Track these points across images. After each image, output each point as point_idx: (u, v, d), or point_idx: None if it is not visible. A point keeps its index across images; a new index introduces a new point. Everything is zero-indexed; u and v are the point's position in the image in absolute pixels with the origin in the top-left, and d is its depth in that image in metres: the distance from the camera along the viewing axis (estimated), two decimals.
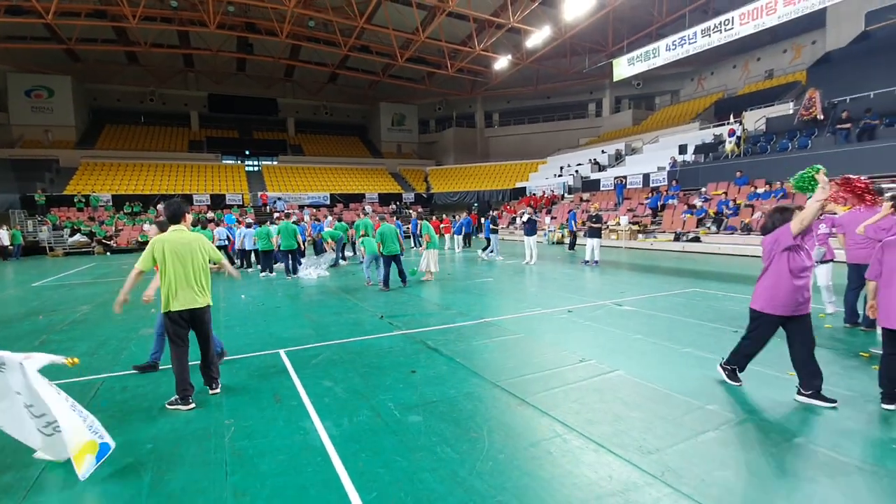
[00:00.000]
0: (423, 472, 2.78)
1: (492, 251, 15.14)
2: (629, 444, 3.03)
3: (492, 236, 15.21)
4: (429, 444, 3.11)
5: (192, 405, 3.87)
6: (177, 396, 3.89)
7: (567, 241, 18.53)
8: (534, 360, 4.85)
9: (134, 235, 22.88)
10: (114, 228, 23.13)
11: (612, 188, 23.49)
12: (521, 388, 4.05)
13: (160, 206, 26.02)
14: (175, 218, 4.05)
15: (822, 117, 17.28)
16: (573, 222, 17.88)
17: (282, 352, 5.31)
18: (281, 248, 11.68)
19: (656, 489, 2.53)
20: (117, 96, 34.56)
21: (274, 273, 12.21)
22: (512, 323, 6.43)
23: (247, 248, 13.56)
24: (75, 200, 24.78)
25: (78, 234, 22.12)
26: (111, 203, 25.71)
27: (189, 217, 4.20)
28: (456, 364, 4.74)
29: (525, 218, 13.89)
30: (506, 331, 6.00)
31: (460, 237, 19.21)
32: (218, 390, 4.19)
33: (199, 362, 4.18)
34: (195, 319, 4.01)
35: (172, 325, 3.92)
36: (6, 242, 19.91)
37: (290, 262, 11.75)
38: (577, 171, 28.64)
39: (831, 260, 5.60)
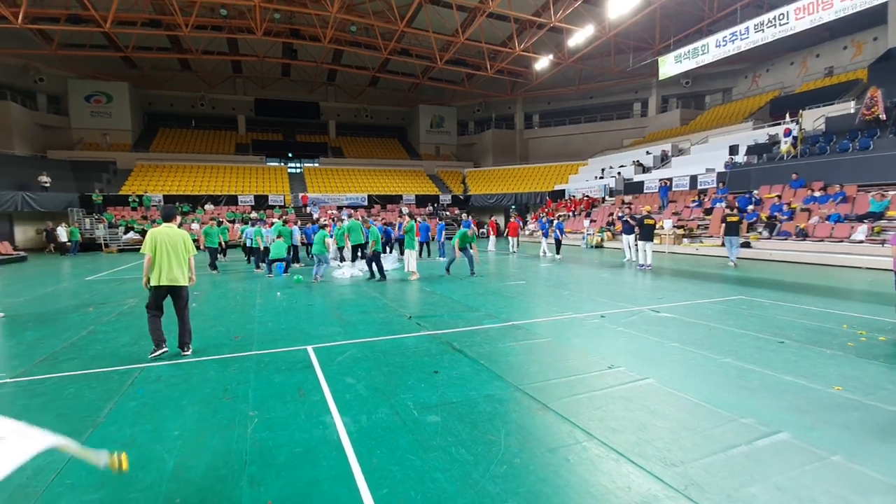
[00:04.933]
0: (436, 472, 2.74)
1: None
2: (652, 454, 2.88)
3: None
4: (444, 445, 3.07)
5: (165, 349, 5.15)
6: (154, 347, 5.13)
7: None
8: (560, 364, 4.71)
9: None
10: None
11: (656, 190, 22.68)
12: (544, 392, 3.94)
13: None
14: (168, 218, 5.31)
15: (884, 117, 16.06)
16: (558, 231, 16.69)
17: (309, 348, 5.41)
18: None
19: (677, 503, 2.39)
20: (170, 101, 36.54)
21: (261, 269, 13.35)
22: (541, 326, 6.30)
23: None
24: (129, 200, 26.35)
25: (132, 232, 23.53)
26: (163, 203, 27.16)
27: (178, 219, 5.44)
28: (480, 366, 4.68)
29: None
30: (534, 334, 5.88)
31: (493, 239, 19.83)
32: (189, 352, 5.23)
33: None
34: (174, 293, 5.16)
35: (156, 295, 5.07)
36: (64, 239, 21.41)
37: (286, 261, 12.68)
38: (619, 173, 27.84)
39: None
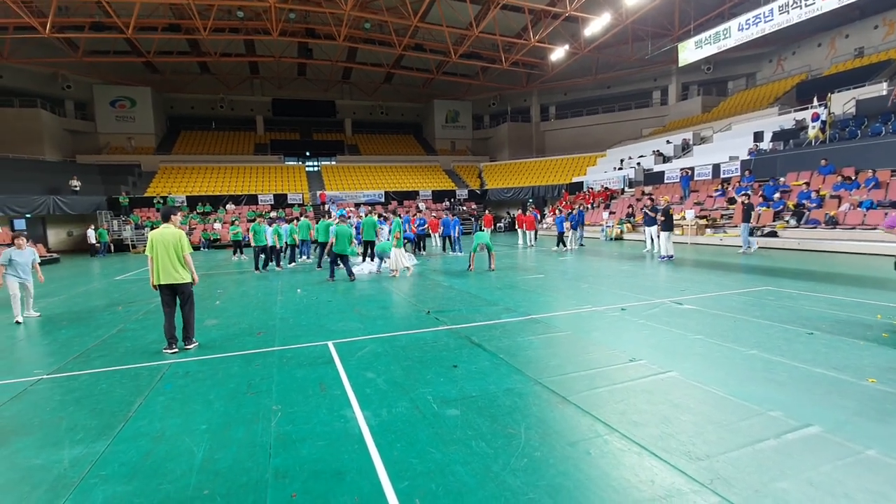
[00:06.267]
0: (456, 465, 2.75)
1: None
2: (676, 448, 2.83)
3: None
4: (464, 438, 3.08)
5: (176, 350, 5.34)
6: (167, 344, 5.37)
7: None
8: (579, 358, 4.67)
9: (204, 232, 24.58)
10: (188, 227, 24.95)
11: (678, 180, 22.21)
12: (564, 386, 3.91)
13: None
14: (165, 218, 5.48)
15: None
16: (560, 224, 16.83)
17: (330, 343, 5.48)
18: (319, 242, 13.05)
19: (703, 497, 2.35)
20: (191, 104, 37.24)
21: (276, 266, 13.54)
22: (560, 320, 6.25)
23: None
24: (154, 202, 27.00)
25: None
26: (185, 204, 27.69)
27: (175, 219, 5.51)
28: (498, 360, 4.67)
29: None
30: (553, 328, 5.83)
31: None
32: (190, 347, 5.49)
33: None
34: (176, 290, 5.36)
35: (161, 294, 5.34)
36: (93, 240, 22.10)
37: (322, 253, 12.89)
38: (638, 164, 27.34)
39: None
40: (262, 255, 13.19)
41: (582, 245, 17.70)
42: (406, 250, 14.85)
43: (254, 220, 14.88)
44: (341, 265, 11.01)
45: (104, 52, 28.47)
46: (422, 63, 34.12)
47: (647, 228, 14.13)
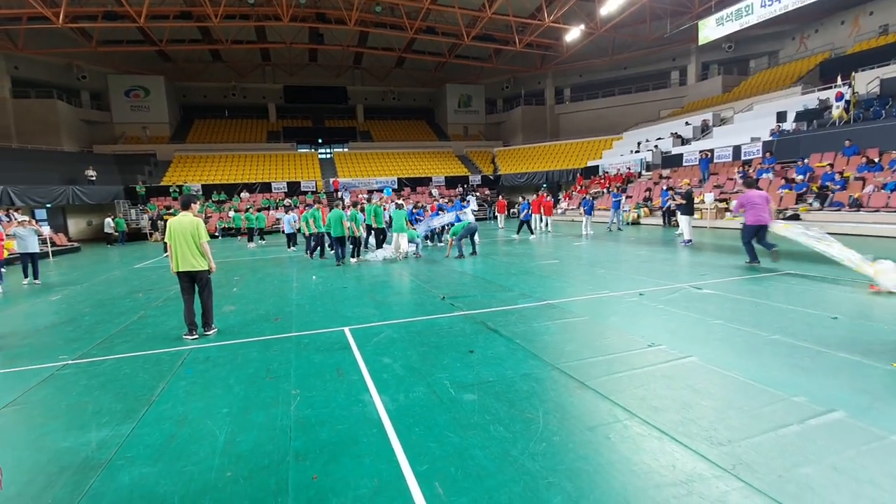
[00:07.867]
0: (475, 449, 2.76)
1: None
2: (697, 433, 2.80)
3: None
4: (482, 423, 3.09)
5: (196, 336, 5.43)
6: (187, 330, 5.47)
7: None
8: (597, 343, 4.63)
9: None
10: (203, 216, 25.25)
11: (697, 163, 21.74)
12: (582, 371, 3.89)
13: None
14: (184, 206, 5.67)
15: None
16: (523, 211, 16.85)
17: (346, 329, 5.52)
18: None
19: (725, 482, 2.32)
20: (204, 92, 37.35)
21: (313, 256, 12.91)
22: (576, 305, 6.20)
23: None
24: (171, 191, 27.37)
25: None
26: (201, 192, 27.99)
27: (195, 207, 5.72)
28: (515, 345, 4.66)
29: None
30: (569, 313, 5.79)
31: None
32: (210, 332, 5.56)
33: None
34: (194, 277, 5.45)
35: (180, 281, 5.47)
36: (111, 229, 22.50)
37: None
38: (656, 146, 26.79)
39: None
40: (314, 242, 12.74)
41: (620, 229, 17.39)
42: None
43: (265, 209, 14.99)
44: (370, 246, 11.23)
45: (117, 41, 28.63)
46: (434, 46, 33.69)
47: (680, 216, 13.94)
